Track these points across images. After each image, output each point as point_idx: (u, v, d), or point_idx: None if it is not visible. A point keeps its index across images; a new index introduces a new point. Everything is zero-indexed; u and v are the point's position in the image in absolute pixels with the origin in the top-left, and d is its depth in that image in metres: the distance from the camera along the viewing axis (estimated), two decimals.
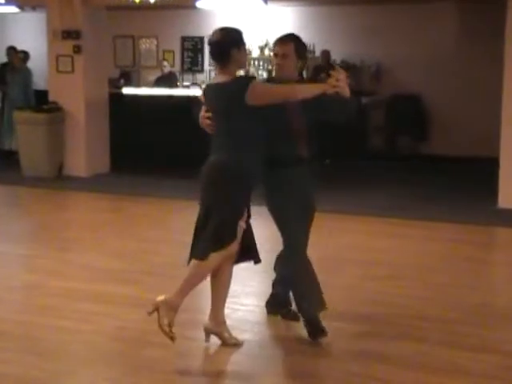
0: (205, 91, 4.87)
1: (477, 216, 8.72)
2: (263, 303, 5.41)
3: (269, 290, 5.36)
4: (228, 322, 4.89)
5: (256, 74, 14.36)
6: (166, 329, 4.56)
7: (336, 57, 13.84)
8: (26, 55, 13.30)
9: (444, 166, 12.61)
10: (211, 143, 4.72)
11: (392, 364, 4.57)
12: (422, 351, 4.77)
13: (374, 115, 13.50)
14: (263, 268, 5.41)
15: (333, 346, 4.86)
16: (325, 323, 4.90)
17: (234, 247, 4.67)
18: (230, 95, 4.56)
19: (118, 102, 12.17)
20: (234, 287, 5.08)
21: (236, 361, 4.70)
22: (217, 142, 4.67)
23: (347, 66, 13.77)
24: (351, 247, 7.38)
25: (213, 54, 4.71)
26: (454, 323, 5.30)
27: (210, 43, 4.72)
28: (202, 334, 4.96)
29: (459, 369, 4.53)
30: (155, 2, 10.79)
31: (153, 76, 14.66)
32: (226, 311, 4.87)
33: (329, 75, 4.63)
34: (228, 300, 4.91)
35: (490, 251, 7.52)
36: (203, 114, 4.82)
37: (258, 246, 4.88)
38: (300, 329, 4.99)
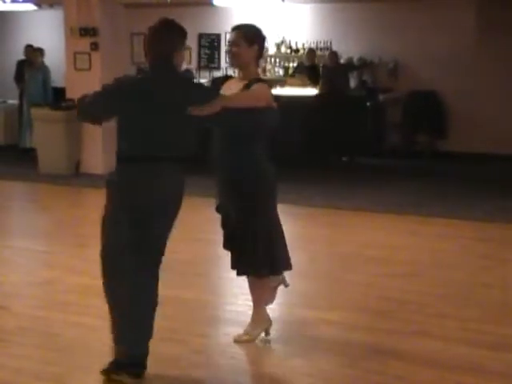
0: None
1: (494, 213, 8.67)
2: (282, 300, 5.37)
3: (288, 288, 5.27)
4: (246, 319, 4.89)
5: (272, 71, 14.45)
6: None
7: (353, 54, 13.81)
8: (41, 52, 13.35)
9: (461, 163, 12.56)
10: None
11: (408, 361, 4.56)
12: (439, 348, 4.76)
13: (392, 112, 13.45)
14: None
15: (349, 343, 4.85)
16: (341, 319, 4.86)
17: None
18: None
19: None
20: None
21: (253, 358, 4.71)
22: None
23: (365, 63, 13.79)
24: (368, 244, 7.37)
25: None
26: (470, 321, 5.27)
27: None
28: (217, 331, 4.98)
29: (476, 367, 4.51)
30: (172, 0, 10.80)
31: None
32: (245, 308, 4.84)
33: None
34: (247, 297, 4.93)
35: (506, 249, 7.47)
36: None
37: None
38: (319, 327, 4.98)
